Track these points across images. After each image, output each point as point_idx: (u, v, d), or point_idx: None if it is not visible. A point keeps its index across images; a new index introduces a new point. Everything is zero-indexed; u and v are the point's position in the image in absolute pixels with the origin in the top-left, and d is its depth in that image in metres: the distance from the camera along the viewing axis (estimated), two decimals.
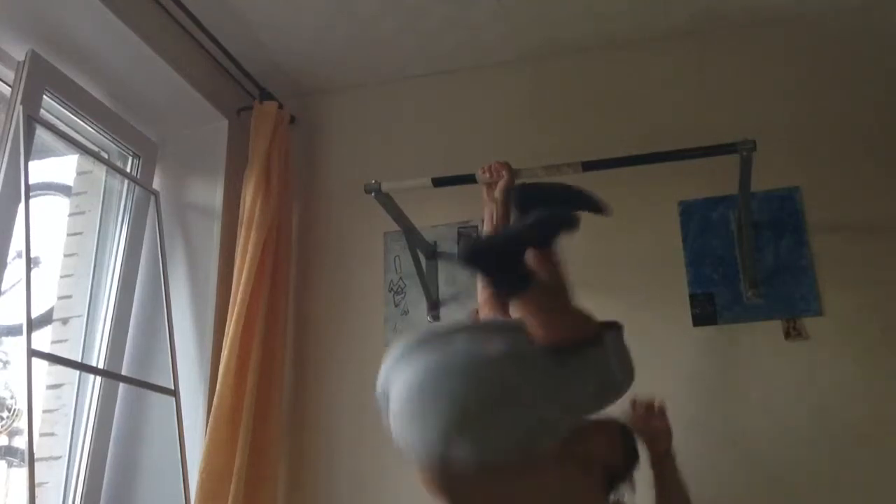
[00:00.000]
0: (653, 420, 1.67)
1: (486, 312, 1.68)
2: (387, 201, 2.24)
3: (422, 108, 2.80)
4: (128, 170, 2.57)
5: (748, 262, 2.28)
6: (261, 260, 2.41)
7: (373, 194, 2.18)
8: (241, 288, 2.34)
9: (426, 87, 2.81)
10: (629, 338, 1.48)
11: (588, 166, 2.01)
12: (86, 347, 2.34)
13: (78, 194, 2.55)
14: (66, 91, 2.27)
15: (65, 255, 2.47)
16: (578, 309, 1.40)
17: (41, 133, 2.17)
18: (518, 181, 1.92)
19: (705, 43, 2.60)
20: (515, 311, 1.42)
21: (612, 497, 1.51)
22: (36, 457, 1.83)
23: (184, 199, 2.63)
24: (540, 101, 2.68)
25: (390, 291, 2.57)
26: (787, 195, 2.35)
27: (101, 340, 2.36)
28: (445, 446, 1.28)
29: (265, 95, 2.71)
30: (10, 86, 2.13)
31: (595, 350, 1.38)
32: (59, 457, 2.23)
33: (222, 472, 2.15)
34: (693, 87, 2.56)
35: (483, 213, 1.97)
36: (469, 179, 2.03)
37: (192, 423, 2.29)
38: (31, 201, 2.03)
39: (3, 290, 1.98)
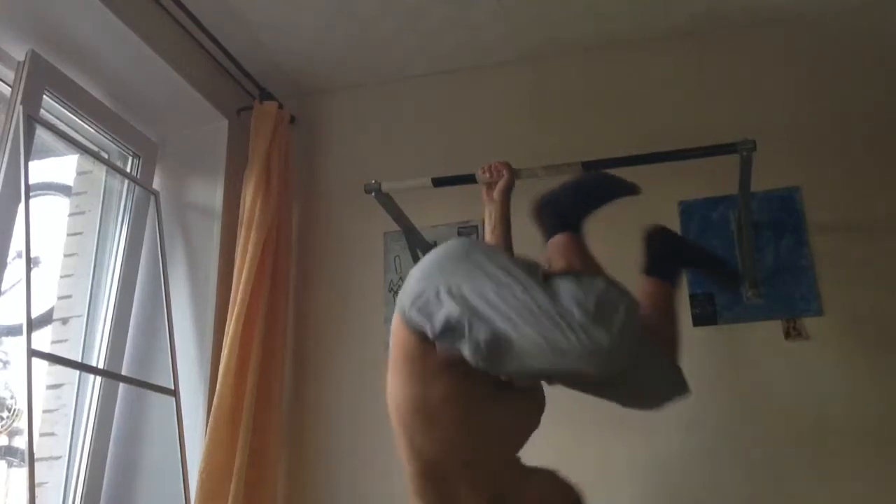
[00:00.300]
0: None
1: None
2: (387, 201, 2.23)
3: (422, 108, 2.80)
4: (128, 170, 2.57)
5: (748, 262, 2.28)
6: (261, 260, 2.41)
7: (373, 194, 2.18)
8: (241, 288, 2.34)
9: (426, 87, 2.81)
10: None
11: (588, 166, 2.00)
12: (86, 347, 2.34)
13: (78, 194, 2.55)
14: (66, 91, 2.27)
15: (65, 255, 2.47)
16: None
17: (41, 133, 2.17)
18: (517, 181, 1.92)
19: (705, 43, 2.60)
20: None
21: None
22: (36, 457, 1.82)
23: (184, 199, 2.63)
24: (540, 102, 2.68)
25: (390, 291, 2.57)
26: (787, 195, 2.35)
27: (101, 340, 2.36)
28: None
29: (265, 95, 2.71)
30: (10, 86, 2.13)
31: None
32: (59, 457, 2.23)
33: (222, 472, 2.15)
34: (693, 87, 2.56)
35: (483, 213, 1.97)
36: (469, 179, 2.03)
37: (192, 423, 2.29)
38: (31, 201, 2.03)
39: (3, 290, 1.98)
